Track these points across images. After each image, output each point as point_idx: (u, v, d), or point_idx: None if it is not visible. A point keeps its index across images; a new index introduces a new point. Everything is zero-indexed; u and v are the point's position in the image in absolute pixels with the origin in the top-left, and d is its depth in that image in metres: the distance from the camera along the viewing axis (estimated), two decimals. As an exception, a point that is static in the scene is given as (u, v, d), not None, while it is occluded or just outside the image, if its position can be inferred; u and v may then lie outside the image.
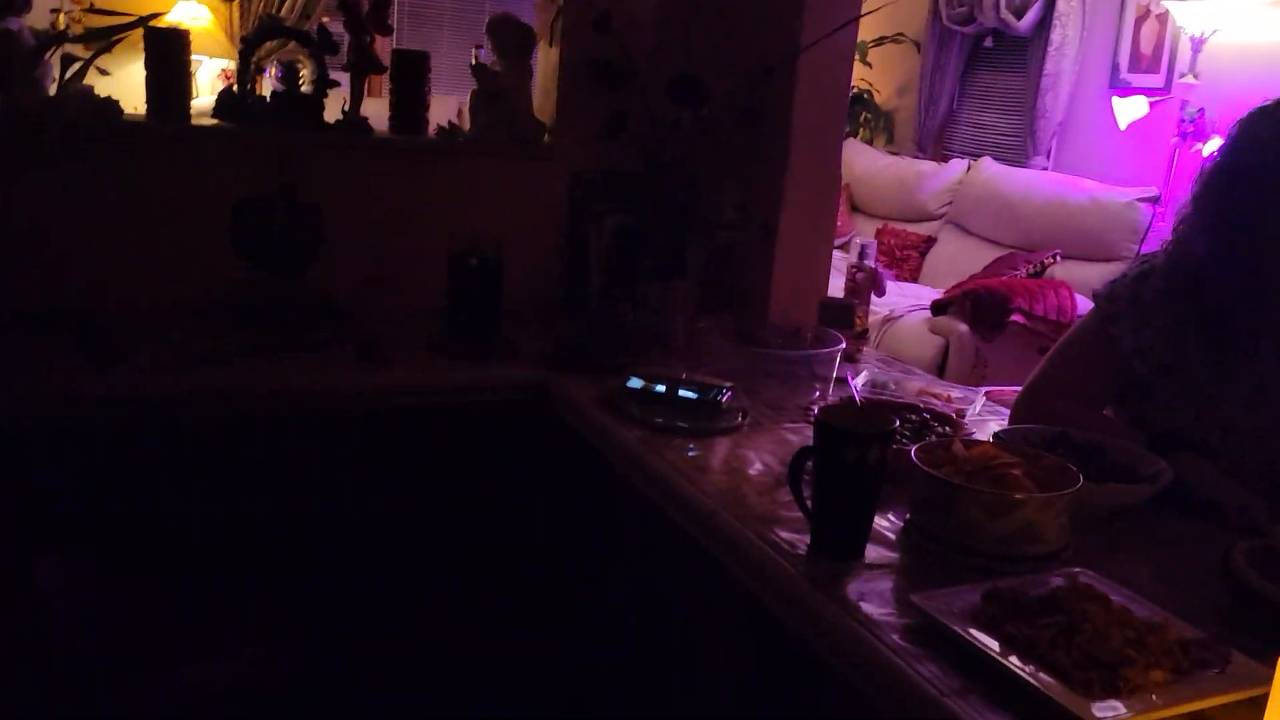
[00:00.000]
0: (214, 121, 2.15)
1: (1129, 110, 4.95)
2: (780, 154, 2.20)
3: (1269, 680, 0.77)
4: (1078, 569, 1.23)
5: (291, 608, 1.97)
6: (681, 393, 1.73)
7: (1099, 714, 0.94)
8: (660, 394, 1.73)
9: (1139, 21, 4.96)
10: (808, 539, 1.31)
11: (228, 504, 1.90)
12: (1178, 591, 1.26)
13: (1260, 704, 0.81)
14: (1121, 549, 1.36)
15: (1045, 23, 5.32)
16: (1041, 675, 1.01)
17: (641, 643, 1.96)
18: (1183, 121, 4.54)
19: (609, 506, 1.99)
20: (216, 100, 2.18)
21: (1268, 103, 1.61)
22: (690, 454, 1.60)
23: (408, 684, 1.96)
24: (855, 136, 6.50)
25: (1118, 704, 0.97)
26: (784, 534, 1.33)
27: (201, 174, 2.10)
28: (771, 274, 2.24)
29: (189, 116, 2.12)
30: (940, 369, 4.42)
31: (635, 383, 1.76)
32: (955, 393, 1.90)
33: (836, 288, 2.36)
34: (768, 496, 1.46)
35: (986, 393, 2.81)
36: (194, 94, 2.20)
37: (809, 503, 1.31)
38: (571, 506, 2.09)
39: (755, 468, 1.56)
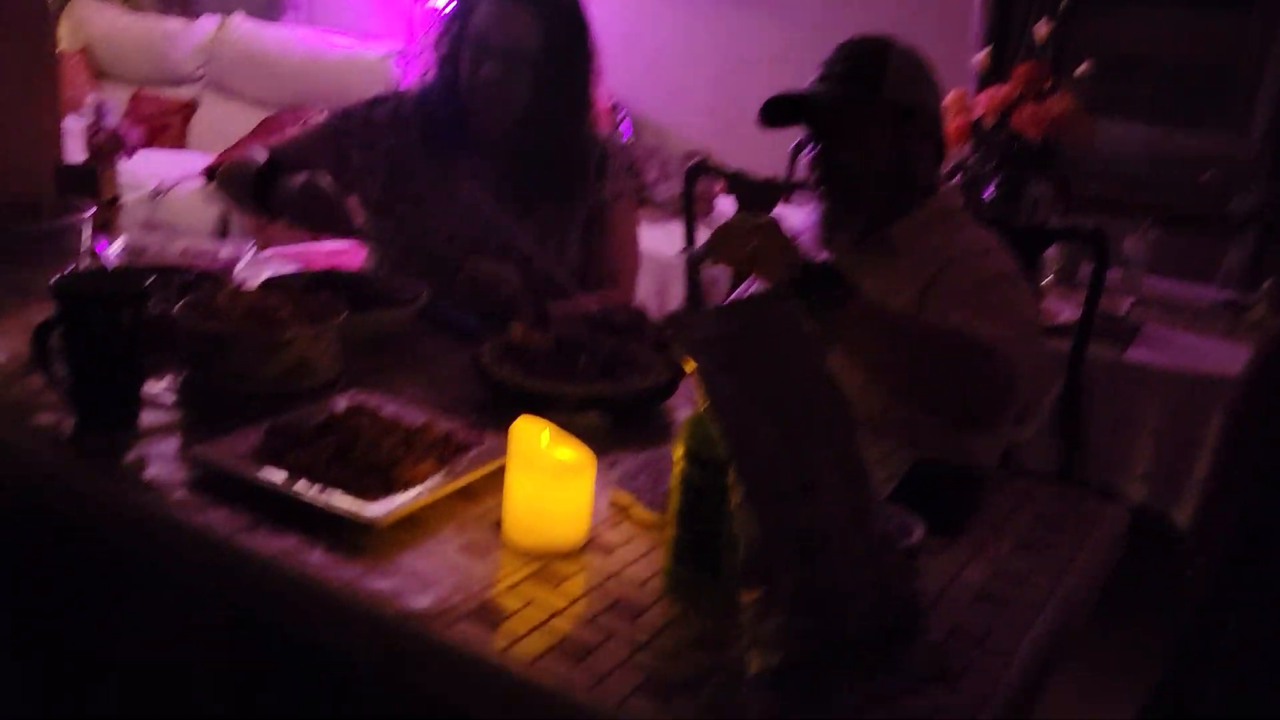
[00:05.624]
0: None
1: (368, -37, 5.09)
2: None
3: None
4: (352, 391, 1.31)
5: None
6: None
7: (373, 511, 1.03)
8: None
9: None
10: (73, 419, 1.21)
11: None
12: (442, 393, 1.40)
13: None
14: (391, 368, 1.47)
15: None
16: (326, 493, 1.07)
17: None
18: (416, -23, 4.79)
19: None
20: None
21: None
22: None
23: None
24: (87, -9, 5.81)
25: (393, 499, 1.06)
26: (46, 419, 1.22)
27: None
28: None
29: None
30: (223, 234, 4.28)
31: None
32: (225, 251, 1.85)
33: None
34: (19, 385, 1.31)
35: (274, 252, 2.80)
36: None
37: (66, 379, 1.20)
38: None
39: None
